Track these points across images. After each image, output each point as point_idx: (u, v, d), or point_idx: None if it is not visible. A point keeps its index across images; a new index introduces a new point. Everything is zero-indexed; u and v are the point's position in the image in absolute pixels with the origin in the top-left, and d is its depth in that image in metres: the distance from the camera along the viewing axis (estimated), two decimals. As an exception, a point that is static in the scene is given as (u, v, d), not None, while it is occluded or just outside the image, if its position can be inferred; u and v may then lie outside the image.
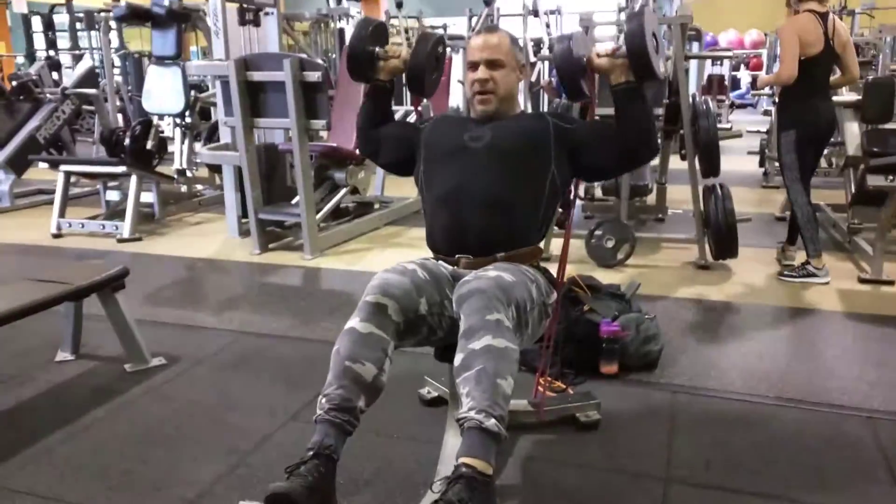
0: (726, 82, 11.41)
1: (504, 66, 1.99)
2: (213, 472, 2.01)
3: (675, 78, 4.08)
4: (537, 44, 7.86)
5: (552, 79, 7.47)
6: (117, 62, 8.46)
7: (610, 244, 4.04)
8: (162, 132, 5.70)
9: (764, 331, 3.16)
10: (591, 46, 1.99)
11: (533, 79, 7.41)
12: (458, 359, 1.59)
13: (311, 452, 1.54)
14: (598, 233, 4.07)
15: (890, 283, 3.71)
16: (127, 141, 5.65)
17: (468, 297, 1.66)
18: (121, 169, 5.06)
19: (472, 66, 2.01)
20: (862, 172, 3.53)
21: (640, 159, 1.97)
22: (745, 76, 16.06)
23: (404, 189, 6.04)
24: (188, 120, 5.68)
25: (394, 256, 4.42)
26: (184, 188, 5.94)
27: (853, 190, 4.41)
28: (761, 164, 6.70)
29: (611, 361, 2.67)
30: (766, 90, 6.33)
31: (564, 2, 8.68)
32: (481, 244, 1.90)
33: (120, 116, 8.11)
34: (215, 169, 5.74)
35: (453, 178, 1.94)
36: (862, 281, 3.77)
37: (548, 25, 8.05)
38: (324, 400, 1.62)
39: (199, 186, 6.15)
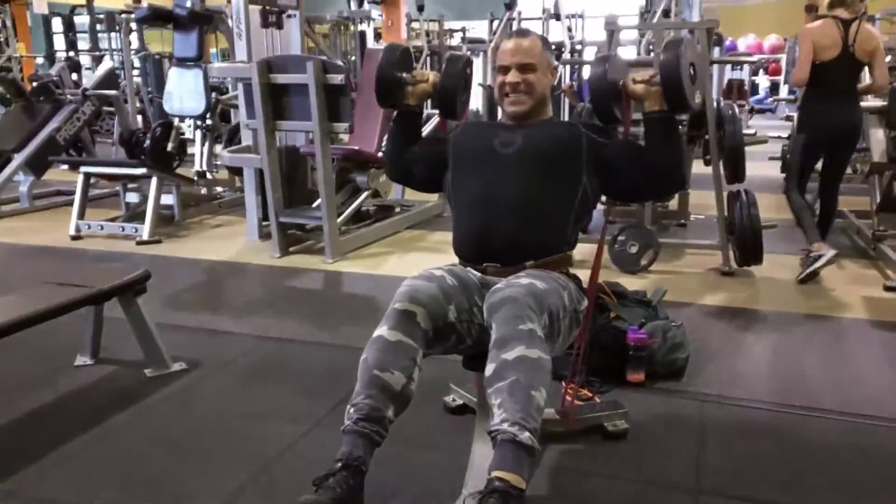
0: (746, 87, 11.32)
1: (536, 70, 1.96)
2: (236, 482, 1.99)
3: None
4: (559, 47, 7.82)
5: (573, 82, 7.44)
6: (137, 63, 8.50)
7: (633, 250, 3.99)
8: (183, 134, 5.73)
9: (790, 339, 3.11)
10: (627, 71, 1.96)
11: (554, 83, 7.38)
12: (489, 369, 1.56)
13: (339, 464, 1.52)
14: (621, 238, 4.03)
15: (919, 291, 3.64)
16: (147, 143, 5.68)
17: (500, 305, 1.63)
18: (141, 171, 5.07)
19: (503, 69, 1.98)
20: (889, 179, 3.47)
21: (665, 191, 1.95)
22: (763, 81, 15.93)
23: (425, 194, 6.03)
24: (209, 122, 5.70)
25: (416, 260, 4.40)
26: (204, 190, 5.95)
27: (879, 197, 4.34)
28: (783, 169, 6.61)
29: (637, 369, 2.63)
30: (788, 94, 6.31)
31: (587, 5, 8.65)
32: (510, 252, 1.87)
33: (139, 118, 8.18)
34: (236, 171, 5.74)
35: (482, 183, 1.92)
36: (887, 289, 3.70)
37: (570, 29, 8.02)
38: (352, 410, 1.59)
39: (219, 189, 6.16)
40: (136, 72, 8.31)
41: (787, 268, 4.06)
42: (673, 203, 5.30)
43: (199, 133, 5.67)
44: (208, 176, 5.80)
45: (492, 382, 1.54)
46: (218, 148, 5.93)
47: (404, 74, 2.11)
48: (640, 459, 2.12)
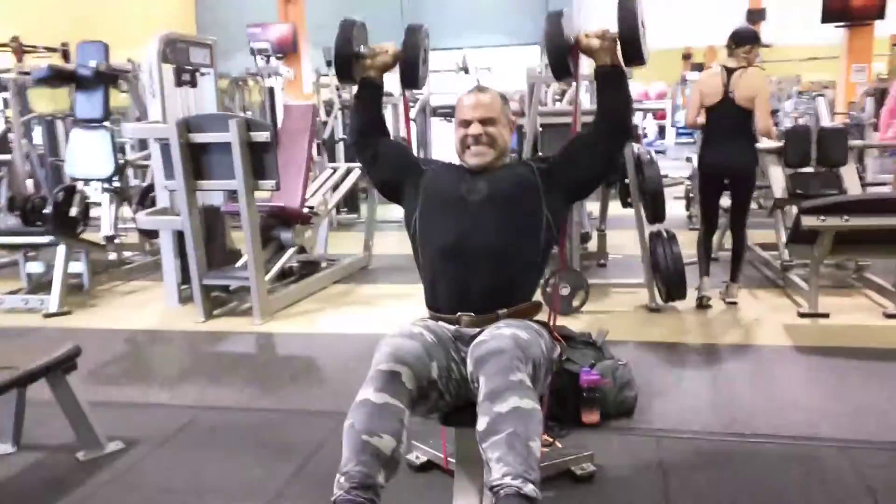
0: (640, 131, 11.97)
1: (497, 123, 2.01)
2: (200, 565, 1.86)
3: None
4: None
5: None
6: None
7: (565, 292, 4.08)
8: (87, 198, 5.44)
9: (724, 369, 3.25)
10: (576, 27, 2.03)
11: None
12: (482, 422, 1.54)
13: (335, 536, 1.44)
14: (552, 281, 4.11)
15: (826, 315, 3.89)
16: (48, 208, 5.36)
17: (488, 357, 1.62)
18: (47, 238, 4.77)
19: (465, 123, 2.01)
20: (797, 213, 3.72)
21: (619, 144, 2.01)
22: (651, 125, 16.92)
23: (348, 246, 5.98)
24: (116, 184, 5.45)
25: (349, 317, 4.32)
26: (113, 256, 5.64)
27: (784, 230, 4.65)
28: (687, 207, 7.00)
29: (592, 410, 2.66)
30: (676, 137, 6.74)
31: (494, 61, 8.98)
32: (484, 300, 1.87)
33: (30, 182, 7.72)
34: (148, 234, 5.50)
35: (453, 232, 1.91)
36: (801, 315, 3.94)
37: (478, 81, 8.26)
38: (342, 479, 1.53)
39: (129, 254, 5.86)
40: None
41: (714, 300, 4.26)
42: (592, 244, 5.48)
43: (106, 196, 5.40)
44: (117, 241, 5.52)
45: (487, 436, 1.52)
46: (125, 211, 5.68)
47: (362, 48, 2.11)
48: (611, 500, 2.14)
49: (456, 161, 2.11)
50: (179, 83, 4.60)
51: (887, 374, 3.13)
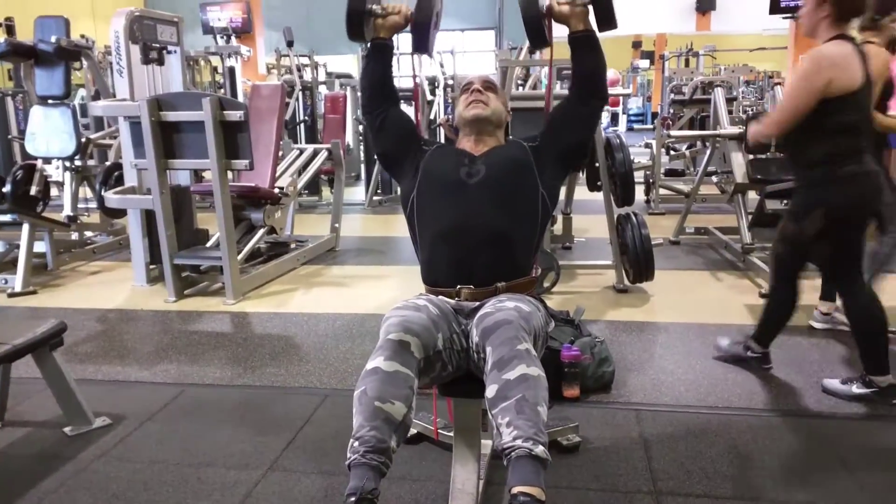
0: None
1: (496, 92, 2.13)
2: (203, 534, 1.89)
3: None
4: (432, 82, 8.05)
5: (448, 116, 7.67)
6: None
7: (537, 273, 4.17)
8: (49, 177, 5.31)
9: (693, 346, 3.38)
10: None
11: (431, 116, 7.57)
12: (491, 390, 1.61)
13: (352, 498, 1.49)
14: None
15: (787, 296, 4.07)
16: (8, 186, 5.22)
17: (495, 328, 1.68)
18: (8, 217, 4.64)
19: (468, 86, 2.13)
20: (760, 197, 3.88)
21: (598, 107, 2.08)
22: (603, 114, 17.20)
23: (317, 228, 5.97)
24: (78, 163, 5.33)
25: (320, 296, 4.34)
26: (75, 236, 5.52)
27: (745, 214, 4.83)
28: (647, 192, 7.19)
29: (573, 385, 2.76)
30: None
31: (457, 43, 8.99)
32: (483, 276, 1.94)
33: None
34: (112, 214, 5.39)
35: (453, 214, 1.97)
36: (762, 296, 4.11)
37: (441, 65, 8.27)
38: (356, 443, 1.58)
39: (90, 234, 5.73)
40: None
41: (672, 282, 4.41)
42: (557, 227, 5.59)
43: (68, 175, 5.27)
44: (79, 220, 5.40)
45: (496, 402, 1.58)
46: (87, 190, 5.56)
47: (374, 7, 2.10)
48: (596, 470, 2.23)
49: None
50: (147, 61, 4.52)
51: (840, 354, 3.31)
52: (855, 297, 2.73)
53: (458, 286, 1.94)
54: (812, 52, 2.58)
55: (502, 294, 1.89)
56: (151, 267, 4.61)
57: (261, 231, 4.73)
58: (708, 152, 5.70)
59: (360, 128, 8.60)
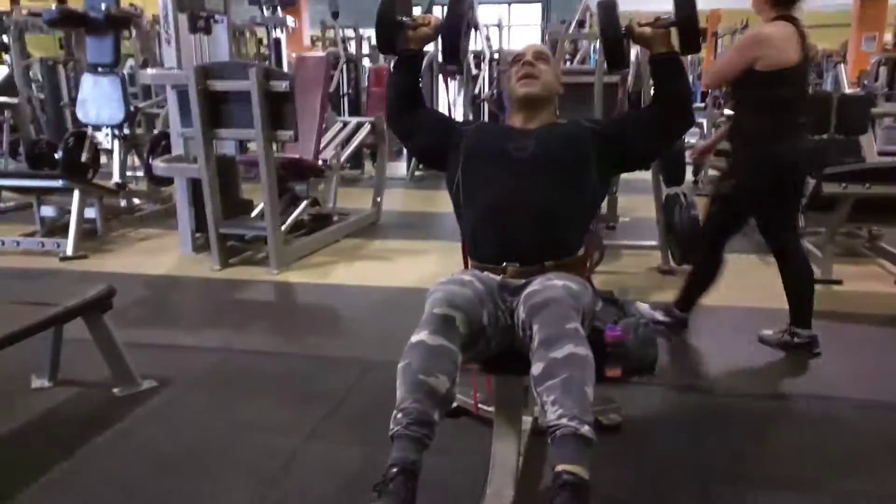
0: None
1: (548, 62, 2.07)
2: (245, 499, 1.91)
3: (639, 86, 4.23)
4: (478, 57, 7.95)
5: (493, 91, 7.59)
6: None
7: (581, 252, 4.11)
8: (99, 144, 5.41)
9: (740, 331, 3.29)
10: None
11: (476, 91, 7.49)
12: (537, 368, 1.58)
13: (395, 469, 1.49)
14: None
15: (839, 282, 3.94)
16: (60, 153, 5.34)
17: (543, 306, 1.65)
18: (59, 183, 4.75)
19: (519, 57, 2.08)
20: (817, 180, 3.75)
21: (679, 131, 2.02)
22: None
23: (354, 202, 5.98)
24: (127, 131, 5.41)
25: (363, 269, 4.36)
26: (123, 203, 5.62)
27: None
28: (695, 172, 7.02)
29: (615, 365, 2.69)
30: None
31: (505, 15, 8.85)
32: (530, 254, 1.90)
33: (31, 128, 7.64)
34: (160, 182, 5.48)
35: (500, 190, 1.93)
36: (816, 281, 3.98)
37: (488, 38, 8.16)
38: (400, 415, 1.57)
39: (138, 201, 5.84)
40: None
41: (727, 265, 4.29)
42: (602, 206, 5.50)
43: (117, 143, 5.36)
44: (127, 188, 5.50)
45: (542, 381, 1.56)
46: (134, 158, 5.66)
47: (405, 18, 2.07)
48: (639, 451, 2.20)
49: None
50: (194, 30, 4.55)
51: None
52: (790, 256, 2.97)
53: (505, 263, 1.91)
54: (754, 30, 2.88)
55: (550, 272, 1.85)
56: (197, 235, 4.67)
57: (304, 203, 4.75)
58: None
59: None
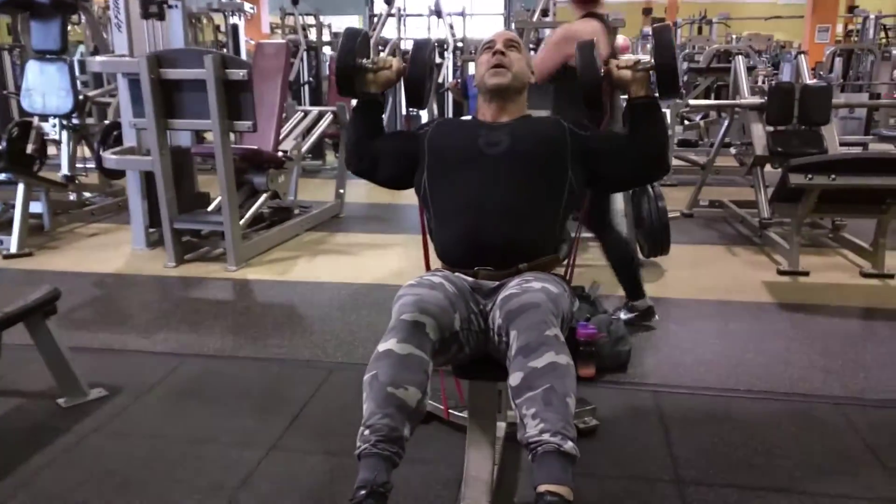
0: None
1: (519, 52, 1.97)
2: (202, 517, 1.79)
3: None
4: (441, 45, 7.82)
5: (457, 80, 7.46)
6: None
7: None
8: (45, 135, 5.15)
9: (711, 324, 3.26)
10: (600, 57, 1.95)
11: (440, 80, 7.35)
12: (515, 378, 1.48)
13: (363, 492, 1.38)
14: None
15: (806, 273, 3.95)
16: (2, 144, 5.07)
17: (521, 311, 1.55)
18: (2, 176, 4.50)
19: (490, 45, 1.98)
20: (783, 171, 3.73)
21: (653, 177, 1.93)
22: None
23: (320, 193, 5.82)
24: (76, 121, 5.16)
25: (325, 264, 4.22)
26: (72, 196, 5.38)
27: (762, 188, 4.69)
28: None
29: (588, 364, 2.64)
30: None
31: (469, 4, 8.72)
32: (503, 255, 1.80)
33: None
34: (112, 175, 5.25)
35: (472, 186, 1.83)
36: (781, 272, 3.99)
37: (451, 27, 8.03)
38: (367, 432, 1.46)
39: (88, 194, 5.59)
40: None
41: (689, 257, 4.28)
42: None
43: (65, 134, 5.11)
44: (77, 181, 5.26)
45: (521, 392, 1.46)
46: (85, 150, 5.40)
47: (365, 61, 1.97)
48: (616, 455, 2.13)
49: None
50: (146, 15, 4.33)
51: (870, 333, 3.20)
52: (609, 234, 3.04)
53: (476, 268, 1.81)
54: (565, 26, 3.04)
55: (526, 273, 1.76)
56: (151, 230, 4.48)
57: (264, 196, 4.58)
58: (726, 123, 5.52)
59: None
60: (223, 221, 4.02)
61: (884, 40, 10.95)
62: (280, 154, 4.69)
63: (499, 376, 1.78)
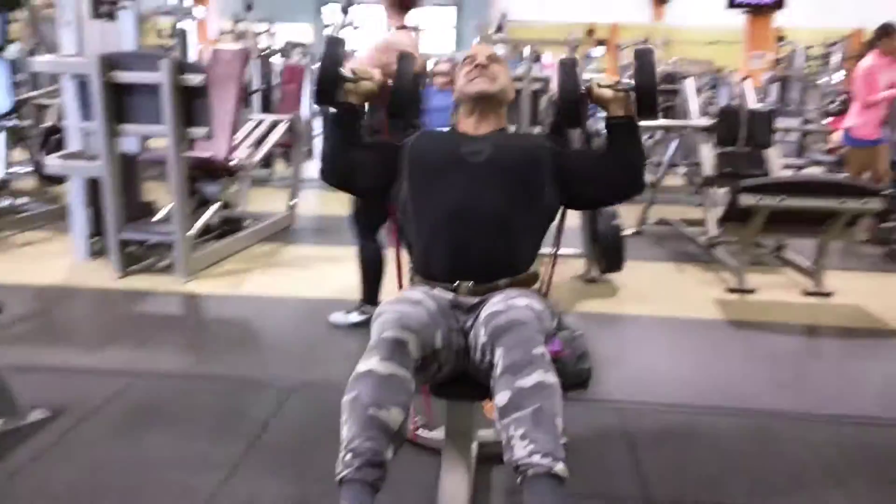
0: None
1: (501, 66, 1.96)
2: (160, 548, 1.69)
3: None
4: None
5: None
6: None
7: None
8: (-21, 137, 4.91)
9: (666, 341, 3.32)
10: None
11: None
12: (503, 397, 1.46)
13: (346, 520, 1.33)
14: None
15: (752, 291, 4.05)
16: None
17: (508, 328, 1.53)
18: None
19: (471, 58, 1.95)
20: (733, 192, 3.83)
21: (627, 195, 1.93)
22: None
23: (270, 204, 5.70)
24: (13, 122, 4.93)
25: (278, 278, 4.12)
26: (6, 202, 5.11)
27: (711, 207, 4.81)
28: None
29: (552, 382, 2.64)
30: None
31: (424, 18, 8.71)
32: (484, 268, 1.78)
33: None
34: (50, 180, 5.03)
35: (454, 195, 1.79)
36: (730, 290, 4.09)
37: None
38: (349, 456, 1.40)
39: (24, 200, 5.33)
40: None
41: (642, 273, 4.35)
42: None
43: (1, 135, 4.87)
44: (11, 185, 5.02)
45: (509, 412, 1.43)
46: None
47: (346, 71, 1.92)
48: (583, 473, 2.10)
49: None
50: (97, 14, 4.17)
51: (814, 350, 3.31)
52: (365, 241, 3.15)
53: (457, 281, 1.78)
54: (385, 37, 3.11)
55: (508, 289, 1.74)
56: (94, 240, 4.29)
57: (215, 206, 4.46)
58: (674, 143, 5.65)
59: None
60: (173, 232, 3.88)
61: (809, 69, 11.46)
62: (233, 163, 4.56)
63: (478, 396, 1.76)
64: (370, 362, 1.49)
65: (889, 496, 2.07)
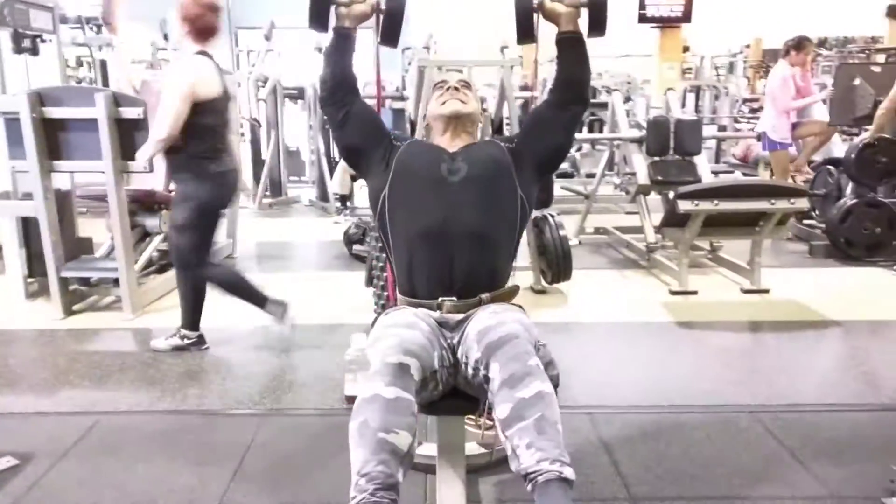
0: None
1: (472, 91, 2.05)
2: (160, 588, 1.65)
3: (500, 115, 4.33)
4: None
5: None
6: None
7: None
8: None
9: (622, 345, 3.44)
10: None
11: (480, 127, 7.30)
12: (503, 409, 1.50)
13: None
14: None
15: (695, 292, 4.25)
16: None
17: (501, 343, 1.58)
18: None
19: (443, 83, 2.04)
20: (672, 198, 4.02)
21: (577, 112, 2.01)
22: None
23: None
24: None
25: (228, 308, 4.01)
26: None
27: (647, 214, 5.02)
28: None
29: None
30: None
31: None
32: (465, 284, 1.82)
33: None
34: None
35: (436, 213, 1.84)
36: (673, 293, 4.27)
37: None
38: (363, 480, 1.41)
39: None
40: None
41: (590, 282, 4.49)
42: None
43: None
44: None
45: (511, 423, 1.48)
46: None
47: None
48: (568, 477, 2.18)
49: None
50: (19, 50, 4.04)
51: (760, 345, 3.49)
52: (199, 271, 3.23)
53: (441, 298, 1.82)
54: (181, 64, 3.10)
55: (490, 305, 1.79)
56: (30, 280, 4.12)
57: (157, 238, 4.34)
58: (606, 154, 5.87)
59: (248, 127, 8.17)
60: (117, 267, 3.76)
61: (717, 77, 12.09)
62: (172, 194, 4.46)
63: (468, 410, 1.80)
64: (375, 387, 1.51)
65: (853, 473, 2.21)
